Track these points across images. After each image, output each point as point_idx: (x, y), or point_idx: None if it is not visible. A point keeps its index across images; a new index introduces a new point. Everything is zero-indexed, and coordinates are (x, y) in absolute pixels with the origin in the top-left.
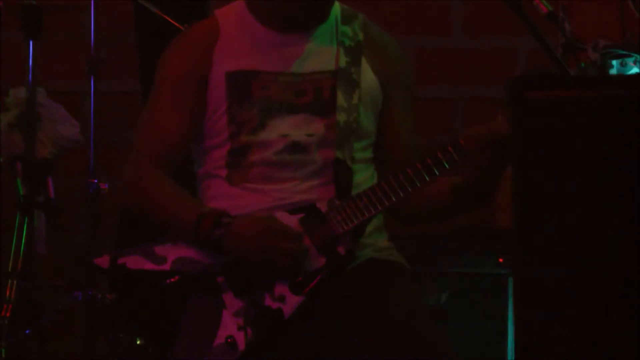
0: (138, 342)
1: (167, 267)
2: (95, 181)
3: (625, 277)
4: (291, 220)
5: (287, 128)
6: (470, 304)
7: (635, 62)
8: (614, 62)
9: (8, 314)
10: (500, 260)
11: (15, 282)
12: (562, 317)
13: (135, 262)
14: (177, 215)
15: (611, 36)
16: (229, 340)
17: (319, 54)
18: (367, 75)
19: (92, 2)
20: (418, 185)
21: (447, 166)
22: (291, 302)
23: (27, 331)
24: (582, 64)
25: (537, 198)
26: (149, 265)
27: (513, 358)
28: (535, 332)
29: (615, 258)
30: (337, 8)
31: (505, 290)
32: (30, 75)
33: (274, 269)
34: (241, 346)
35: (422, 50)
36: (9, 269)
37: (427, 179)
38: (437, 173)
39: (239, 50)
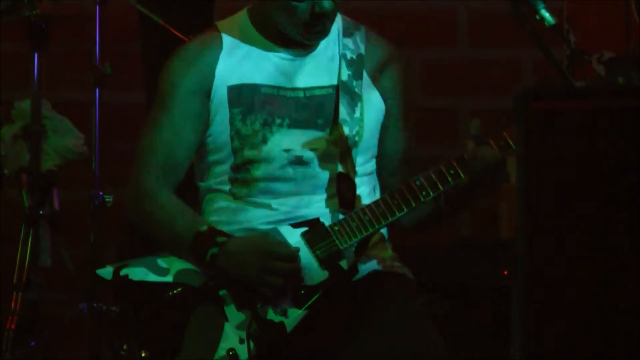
0: (143, 354)
1: (170, 278)
2: (100, 193)
3: (632, 290)
4: (294, 234)
5: (289, 143)
6: (474, 315)
7: None
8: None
9: (13, 326)
10: (505, 272)
11: (20, 293)
12: (566, 328)
13: (138, 273)
14: (174, 233)
15: (616, 48)
16: (231, 353)
17: (321, 68)
18: (369, 89)
19: (97, 13)
20: (422, 200)
21: (451, 182)
22: (293, 316)
23: (33, 343)
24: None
25: (542, 209)
26: (152, 277)
27: None
28: (539, 342)
29: (623, 271)
30: (339, 20)
31: (510, 302)
32: (35, 87)
33: (267, 289)
34: (243, 359)
35: (427, 61)
36: (14, 281)
37: (431, 194)
38: (441, 188)
39: (241, 64)
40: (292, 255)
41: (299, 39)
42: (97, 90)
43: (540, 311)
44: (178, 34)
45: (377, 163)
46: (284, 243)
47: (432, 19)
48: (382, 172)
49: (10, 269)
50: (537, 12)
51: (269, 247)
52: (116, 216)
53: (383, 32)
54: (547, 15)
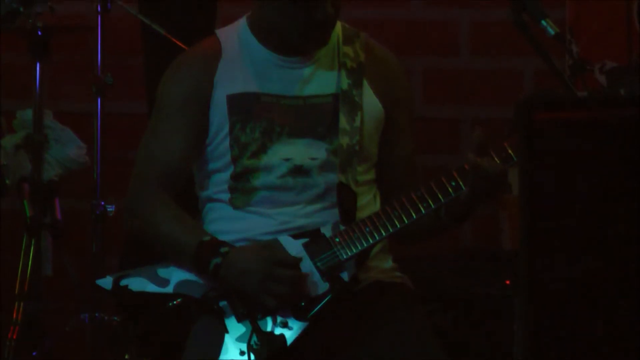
0: None
1: (170, 289)
2: (102, 203)
3: (633, 297)
4: (295, 245)
5: (289, 152)
6: (476, 326)
7: None
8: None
9: (15, 336)
10: (507, 282)
11: (22, 303)
12: (569, 337)
13: (138, 283)
14: (177, 242)
15: (618, 57)
16: None
17: (320, 77)
18: (369, 97)
19: (99, 23)
20: (423, 212)
21: (452, 193)
22: (294, 328)
23: (34, 353)
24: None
25: (544, 219)
26: (152, 287)
27: None
28: (542, 351)
29: (625, 279)
30: (338, 28)
31: (512, 313)
32: (37, 97)
33: (270, 298)
34: None
35: (428, 71)
36: (16, 291)
37: (432, 205)
38: (441, 199)
39: (241, 72)
40: (294, 262)
41: (299, 46)
42: (99, 100)
43: (542, 321)
44: (180, 44)
45: (381, 174)
46: (286, 251)
47: (434, 28)
48: (386, 184)
49: (12, 279)
50: (538, 21)
51: (271, 255)
52: (118, 225)
53: (384, 40)
54: (548, 25)
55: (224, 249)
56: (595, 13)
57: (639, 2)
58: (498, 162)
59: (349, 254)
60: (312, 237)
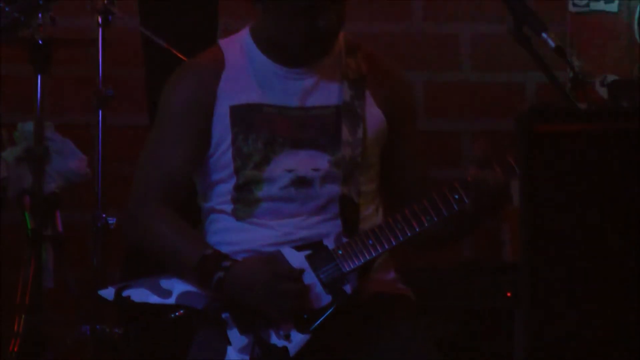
0: None
1: (172, 300)
2: (103, 215)
3: (634, 311)
4: (298, 257)
5: (292, 163)
6: (477, 338)
7: None
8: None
9: (16, 349)
10: (508, 294)
11: (23, 316)
12: (569, 348)
13: (140, 294)
14: (179, 255)
15: (619, 71)
16: None
17: (323, 88)
18: (372, 109)
19: (100, 36)
20: (425, 225)
21: (455, 206)
22: (296, 340)
23: None
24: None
25: (545, 232)
26: (154, 299)
27: None
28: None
29: (626, 290)
30: (341, 40)
31: (513, 325)
32: (38, 109)
33: (275, 311)
34: None
35: (430, 84)
36: (17, 303)
37: (435, 219)
38: (444, 213)
39: (244, 83)
40: (297, 275)
41: (301, 55)
42: (100, 112)
43: (543, 333)
44: (181, 56)
45: (385, 185)
46: (289, 264)
47: (435, 42)
48: (390, 195)
49: (13, 291)
50: (539, 35)
51: (274, 269)
52: (119, 238)
53: (385, 54)
54: (549, 38)
55: (226, 263)
56: (596, 26)
57: (639, 15)
58: (500, 174)
59: (352, 266)
60: (315, 249)
